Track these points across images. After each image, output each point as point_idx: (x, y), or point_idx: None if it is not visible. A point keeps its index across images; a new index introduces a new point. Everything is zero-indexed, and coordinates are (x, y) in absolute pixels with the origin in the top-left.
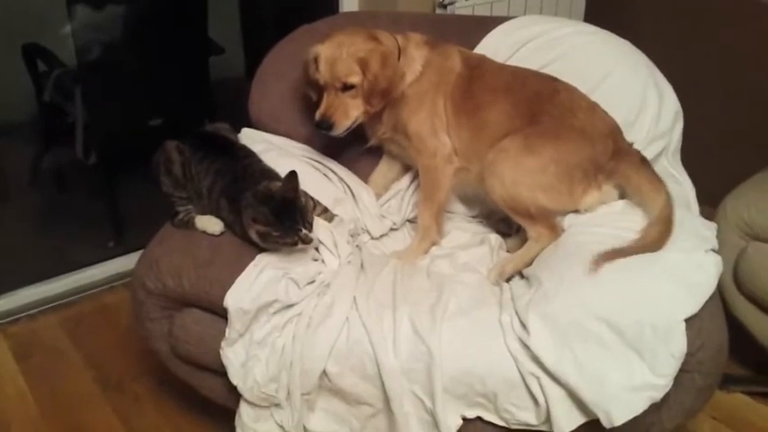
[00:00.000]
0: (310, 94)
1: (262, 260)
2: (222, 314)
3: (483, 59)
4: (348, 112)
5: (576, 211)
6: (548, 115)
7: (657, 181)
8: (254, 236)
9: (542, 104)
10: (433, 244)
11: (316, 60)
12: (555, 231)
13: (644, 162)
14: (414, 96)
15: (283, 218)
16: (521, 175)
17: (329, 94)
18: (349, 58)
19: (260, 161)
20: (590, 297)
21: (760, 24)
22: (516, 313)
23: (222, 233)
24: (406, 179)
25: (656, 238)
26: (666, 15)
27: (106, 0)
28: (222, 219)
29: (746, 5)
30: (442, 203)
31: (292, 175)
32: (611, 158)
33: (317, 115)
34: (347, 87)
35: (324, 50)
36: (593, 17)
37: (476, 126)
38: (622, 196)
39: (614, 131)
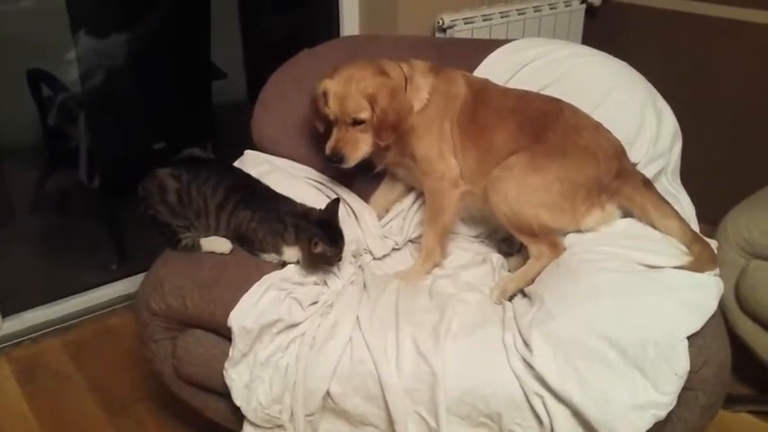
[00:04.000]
0: (318, 125)
1: (266, 281)
2: (225, 335)
3: (487, 83)
4: (358, 146)
5: (579, 231)
6: (553, 133)
7: (663, 204)
8: (299, 253)
9: (547, 124)
10: (436, 265)
11: (325, 95)
12: (557, 249)
13: (647, 184)
14: (421, 123)
15: (335, 238)
16: (525, 192)
17: (339, 128)
18: (358, 94)
19: (258, 181)
20: (592, 315)
21: (757, 44)
22: (519, 332)
23: (231, 251)
24: (408, 200)
25: (704, 257)
26: (662, 38)
27: (110, 26)
28: (236, 231)
29: (742, 26)
30: (447, 226)
31: (336, 202)
32: (615, 179)
33: (328, 149)
34: (357, 122)
35: (333, 86)
36: (591, 40)
37: (482, 148)
38: (625, 216)
39: (618, 152)
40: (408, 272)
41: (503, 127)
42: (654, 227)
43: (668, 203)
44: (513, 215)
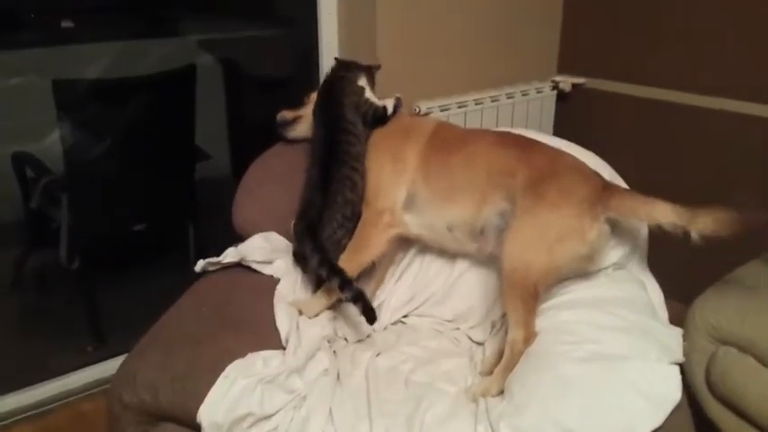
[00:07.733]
0: None
1: (232, 371)
2: (198, 429)
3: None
4: None
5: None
6: (539, 154)
7: (648, 198)
8: None
9: (530, 145)
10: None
11: None
12: (529, 337)
13: (626, 191)
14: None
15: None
16: (534, 238)
17: None
18: None
19: None
20: (557, 410)
21: (725, 132)
22: (490, 425)
23: None
24: (386, 289)
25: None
26: (631, 123)
27: (94, 107)
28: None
29: (710, 113)
30: (363, 264)
31: None
32: (601, 191)
33: None
34: None
35: None
36: (563, 124)
37: (468, 171)
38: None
39: (595, 172)
40: (306, 303)
41: (486, 146)
42: (649, 220)
43: (651, 197)
44: (524, 266)
